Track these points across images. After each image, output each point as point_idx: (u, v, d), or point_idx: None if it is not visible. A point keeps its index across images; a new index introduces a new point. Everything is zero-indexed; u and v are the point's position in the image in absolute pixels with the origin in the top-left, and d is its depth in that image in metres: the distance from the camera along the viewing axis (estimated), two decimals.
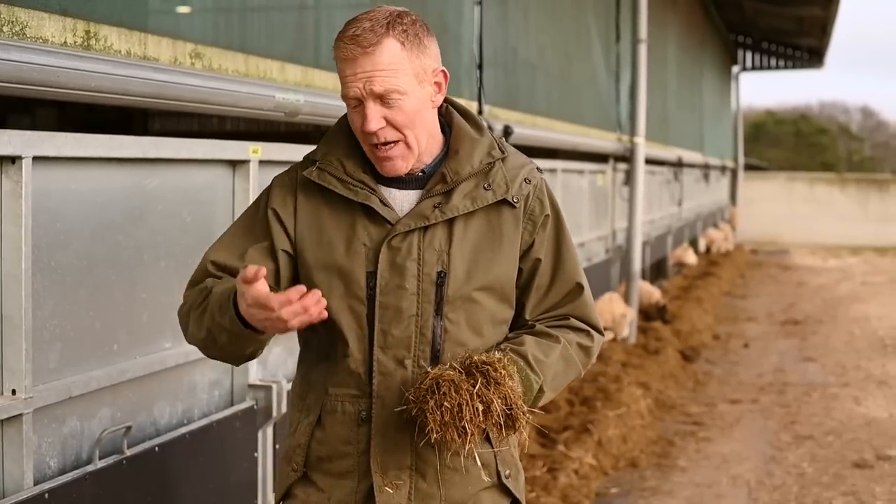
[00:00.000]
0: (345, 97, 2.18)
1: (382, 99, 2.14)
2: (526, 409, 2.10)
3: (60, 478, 2.83)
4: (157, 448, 3.20)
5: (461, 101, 2.39)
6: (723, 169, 23.39)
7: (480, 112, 5.95)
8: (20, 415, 2.72)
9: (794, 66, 26.83)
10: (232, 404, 3.74)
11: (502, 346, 2.21)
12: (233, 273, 2.21)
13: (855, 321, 12.41)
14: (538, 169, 2.33)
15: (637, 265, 9.70)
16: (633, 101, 9.79)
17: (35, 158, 2.73)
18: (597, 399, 6.76)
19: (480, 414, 2.03)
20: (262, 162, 3.80)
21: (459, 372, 2.07)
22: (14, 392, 2.72)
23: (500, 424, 2.06)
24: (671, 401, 7.77)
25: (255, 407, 3.75)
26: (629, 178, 9.95)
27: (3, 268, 2.70)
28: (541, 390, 2.19)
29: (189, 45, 3.38)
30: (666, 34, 13.96)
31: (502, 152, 2.28)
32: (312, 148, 2.35)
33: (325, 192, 2.24)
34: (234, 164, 3.72)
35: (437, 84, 2.23)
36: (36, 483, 2.78)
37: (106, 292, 3.08)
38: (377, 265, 2.19)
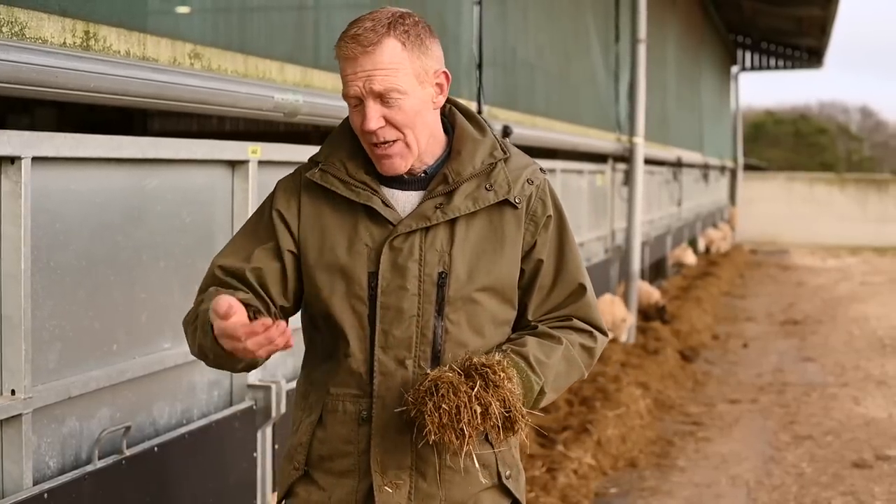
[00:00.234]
0: (345, 96, 2.18)
1: (382, 98, 2.14)
2: (525, 411, 2.10)
3: (60, 478, 2.83)
4: (156, 448, 3.20)
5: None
6: (722, 169, 23.40)
7: (479, 112, 5.95)
8: (19, 415, 2.72)
9: (793, 66, 26.84)
10: (231, 404, 3.74)
11: (503, 348, 2.21)
12: (240, 276, 2.22)
13: (854, 321, 12.42)
14: (541, 170, 2.33)
15: (636, 265, 9.71)
16: (633, 101, 9.79)
17: (34, 159, 2.73)
18: (596, 399, 6.77)
19: (478, 416, 2.03)
20: (261, 162, 3.80)
21: (458, 374, 2.07)
22: (13, 392, 2.72)
23: (499, 427, 2.06)
24: (670, 401, 7.78)
25: (255, 407, 3.75)
26: (628, 178, 9.95)
27: (3, 268, 2.70)
28: (542, 391, 2.19)
29: (188, 46, 3.38)
30: (665, 34, 13.96)
31: (505, 153, 2.28)
32: (311, 148, 2.35)
33: (328, 194, 2.25)
34: (234, 165, 3.72)
35: (439, 85, 2.23)
36: (35, 483, 2.78)
37: (105, 292, 3.08)
38: (379, 266, 2.19)
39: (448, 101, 2.30)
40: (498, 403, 2.05)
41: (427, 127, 2.22)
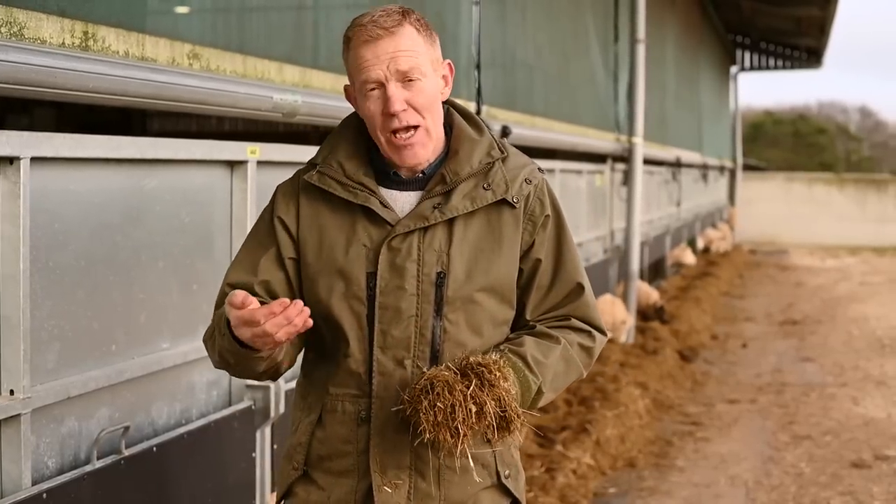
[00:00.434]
0: (364, 83, 2.18)
1: (405, 79, 2.15)
2: (521, 411, 2.10)
3: (59, 478, 2.84)
4: (155, 448, 3.20)
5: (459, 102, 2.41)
6: (721, 169, 23.40)
7: (478, 112, 5.95)
8: (18, 415, 2.72)
9: (792, 67, 26.84)
10: (230, 404, 3.75)
11: (501, 347, 2.21)
12: (249, 290, 2.20)
13: (853, 321, 12.42)
14: (540, 169, 2.33)
15: (635, 265, 9.71)
16: (632, 101, 9.80)
17: (33, 159, 2.73)
18: (595, 399, 6.77)
19: (473, 415, 2.03)
20: (260, 162, 3.80)
21: (454, 373, 2.08)
22: (12, 392, 2.72)
23: (494, 426, 2.06)
24: (669, 401, 7.78)
25: (253, 407, 3.75)
26: (627, 179, 9.96)
27: (2, 268, 2.70)
28: (540, 391, 2.19)
29: (187, 46, 3.38)
30: (664, 34, 13.96)
31: (502, 152, 2.28)
32: (310, 148, 2.36)
33: (326, 195, 2.25)
34: (233, 165, 3.72)
35: (444, 77, 2.27)
36: (34, 483, 2.79)
37: (104, 293, 3.09)
38: (377, 266, 2.19)
39: (446, 101, 2.31)
40: (493, 402, 2.05)
41: (441, 117, 2.24)
